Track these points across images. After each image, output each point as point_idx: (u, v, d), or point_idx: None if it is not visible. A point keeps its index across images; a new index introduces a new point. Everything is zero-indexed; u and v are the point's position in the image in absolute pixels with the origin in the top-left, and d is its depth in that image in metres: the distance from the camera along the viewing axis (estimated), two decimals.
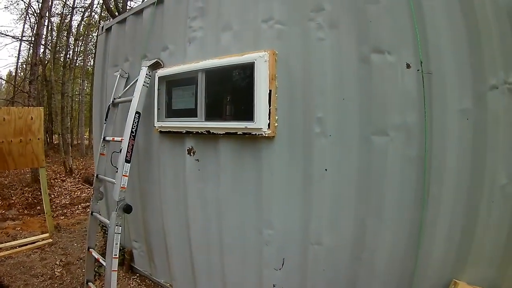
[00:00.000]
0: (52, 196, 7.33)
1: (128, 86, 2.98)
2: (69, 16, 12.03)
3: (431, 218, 1.62)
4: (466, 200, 1.57)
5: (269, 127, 1.99)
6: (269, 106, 1.98)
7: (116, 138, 2.89)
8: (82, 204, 6.76)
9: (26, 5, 11.85)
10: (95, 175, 3.09)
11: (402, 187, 1.69)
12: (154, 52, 2.79)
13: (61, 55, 12.91)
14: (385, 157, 1.72)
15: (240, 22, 2.21)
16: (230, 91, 2.17)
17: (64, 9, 12.52)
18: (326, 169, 1.89)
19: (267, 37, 2.08)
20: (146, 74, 2.66)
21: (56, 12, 12.37)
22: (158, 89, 2.62)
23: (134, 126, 2.61)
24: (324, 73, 1.88)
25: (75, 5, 12.10)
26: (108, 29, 3.51)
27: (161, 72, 2.60)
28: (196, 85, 2.30)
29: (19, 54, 14.20)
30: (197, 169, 2.48)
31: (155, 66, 2.71)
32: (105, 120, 3.08)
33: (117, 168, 2.60)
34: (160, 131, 2.67)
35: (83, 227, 5.19)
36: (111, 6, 8.24)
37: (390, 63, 1.68)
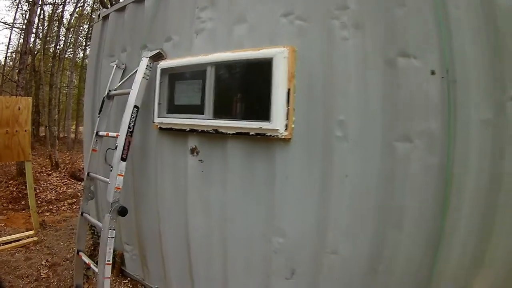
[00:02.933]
0: (38, 190, 6.86)
1: (126, 78, 2.68)
2: (62, 6, 11.43)
3: (449, 227, 1.54)
4: (483, 208, 1.48)
5: (286, 128, 1.78)
6: (287, 106, 1.76)
7: (110, 134, 2.60)
8: (68, 200, 6.35)
9: None
10: (86, 172, 2.79)
11: (423, 196, 1.58)
12: (156, 42, 2.51)
13: (51, 45, 12.25)
14: (408, 165, 1.59)
15: (256, 14, 1.97)
16: (243, 88, 1.94)
17: None
18: (346, 175, 1.73)
19: (286, 32, 1.87)
20: (147, 66, 2.38)
21: (49, 1, 11.74)
22: (160, 82, 2.35)
23: (132, 122, 2.33)
24: (347, 74, 1.72)
25: None
26: (105, 17, 3.18)
27: (164, 64, 2.33)
28: (204, 79, 2.05)
29: (9, 42, 13.33)
30: (200, 171, 2.23)
31: (157, 57, 2.43)
32: (99, 113, 2.78)
33: (111, 167, 2.33)
34: (160, 128, 2.40)
35: (69, 224, 4.88)
36: None
37: (415, 68, 1.56)
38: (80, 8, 12.50)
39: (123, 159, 2.30)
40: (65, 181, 7.76)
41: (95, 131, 2.77)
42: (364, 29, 1.68)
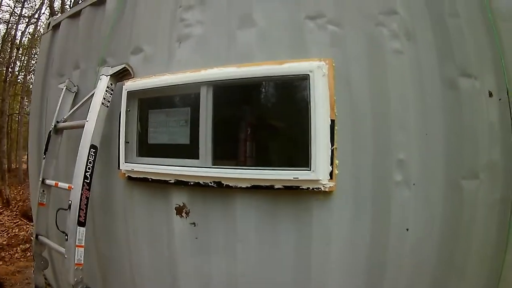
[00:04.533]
0: None
1: (78, 105, 1.87)
2: (15, 25, 10.10)
3: (510, 261, 1.38)
4: None
5: (331, 177, 1.16)
6: (332, 145, 1.14)
7: (61, 184, 1.78)
8: (21, 246, 5.38)
9: None
10: (34, 235, 1.97)
11: (486, 237, 1.39)
12: (120, 55, 1.77)
13: (4, 68, 10.69)
14: (475, 205, 1.36)
15: (269, 15, 1.38)
16: (260, 119, 1.27)
17: (11, 17, 10.53)
18: (407, 229, 1.33)
19: (316, 41, 1.34)
20: (107, 88, 1.64)
21: (4, 19, 10.34)
22: (127, 110, 1.61)
23: (89, 169, 1.58)
24: (405, 98, 1.30)
25: (22, 13, 10.21)
26: (56, 27, 2.39)
27: (131, 84, 1.59)
28: (195, 106, 1.36)
29: None
30: (193, 237, 1.47)
31: (121, 75, 1.68)
32: (44, 153, 1.95)
33: (66, 235, 1.60)
34: (129, 177, 1.63)
35: (25, 277, 4.20)
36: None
37: (477, 89, 1.34)
38: (33, 24, 11.11)
39: (80, 224, 1.57)
40: (17, 222, 6.61)
41: (40, 178, 1.94)
42: (416, 41, 1.34)
